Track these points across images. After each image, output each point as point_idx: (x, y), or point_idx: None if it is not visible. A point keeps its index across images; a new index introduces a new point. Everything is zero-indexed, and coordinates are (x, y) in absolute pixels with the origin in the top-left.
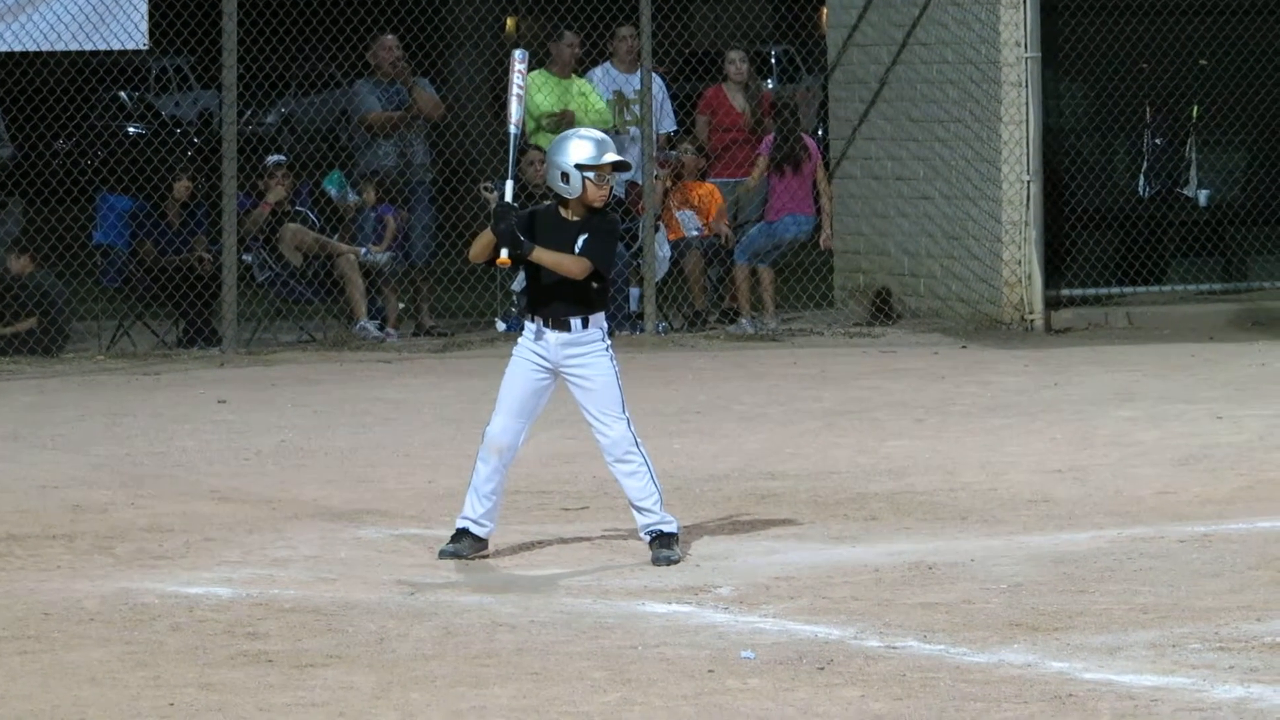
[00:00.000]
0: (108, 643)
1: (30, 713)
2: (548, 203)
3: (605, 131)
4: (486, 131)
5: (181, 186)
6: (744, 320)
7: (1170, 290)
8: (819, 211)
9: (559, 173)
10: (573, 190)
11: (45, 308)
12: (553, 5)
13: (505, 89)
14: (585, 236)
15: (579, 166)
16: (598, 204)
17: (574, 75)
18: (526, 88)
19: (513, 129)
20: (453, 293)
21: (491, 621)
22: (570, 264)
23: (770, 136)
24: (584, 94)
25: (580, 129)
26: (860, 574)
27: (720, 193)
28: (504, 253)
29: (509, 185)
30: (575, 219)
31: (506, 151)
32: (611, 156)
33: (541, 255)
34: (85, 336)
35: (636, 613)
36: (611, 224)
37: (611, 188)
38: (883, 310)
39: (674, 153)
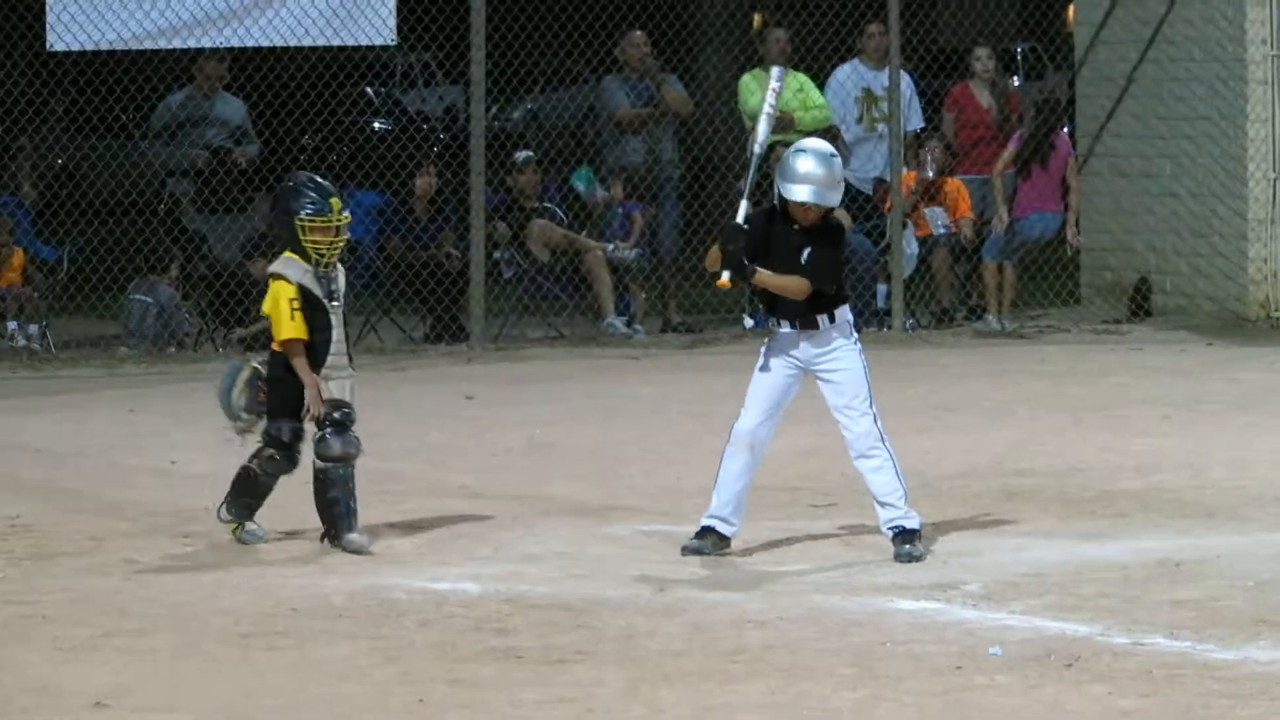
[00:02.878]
0: (356, 638)
1: (279, 708)
2: (777, 202)
3: (828, 133)
4: (736, 128)
5: (423, 182)
6: (990, 317)
7: None
8: (1066, 209)
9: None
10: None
11: None
12: (799, 1)
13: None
14: (809, 250)
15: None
16: (803, 222)
17: (790, 70)
18: (775, 109)
19: (757, 149)
20: (700, 289)
21: (740, 618)
22: (794, 287)
23: (1020, 132)
24: (800, 90)
25: (805, 145)
26: (1107, 571)
27: (967, 189)
28: (725, 275)
29: (744, 205)
30: (800, 226)
31: (746, 168)
32: (799, 191)
33: (764, 279)
34: None
35: (884, 609)
36: (836, 233)
37: (823, 207)
38: (1143, 304)
39: (931, 174)
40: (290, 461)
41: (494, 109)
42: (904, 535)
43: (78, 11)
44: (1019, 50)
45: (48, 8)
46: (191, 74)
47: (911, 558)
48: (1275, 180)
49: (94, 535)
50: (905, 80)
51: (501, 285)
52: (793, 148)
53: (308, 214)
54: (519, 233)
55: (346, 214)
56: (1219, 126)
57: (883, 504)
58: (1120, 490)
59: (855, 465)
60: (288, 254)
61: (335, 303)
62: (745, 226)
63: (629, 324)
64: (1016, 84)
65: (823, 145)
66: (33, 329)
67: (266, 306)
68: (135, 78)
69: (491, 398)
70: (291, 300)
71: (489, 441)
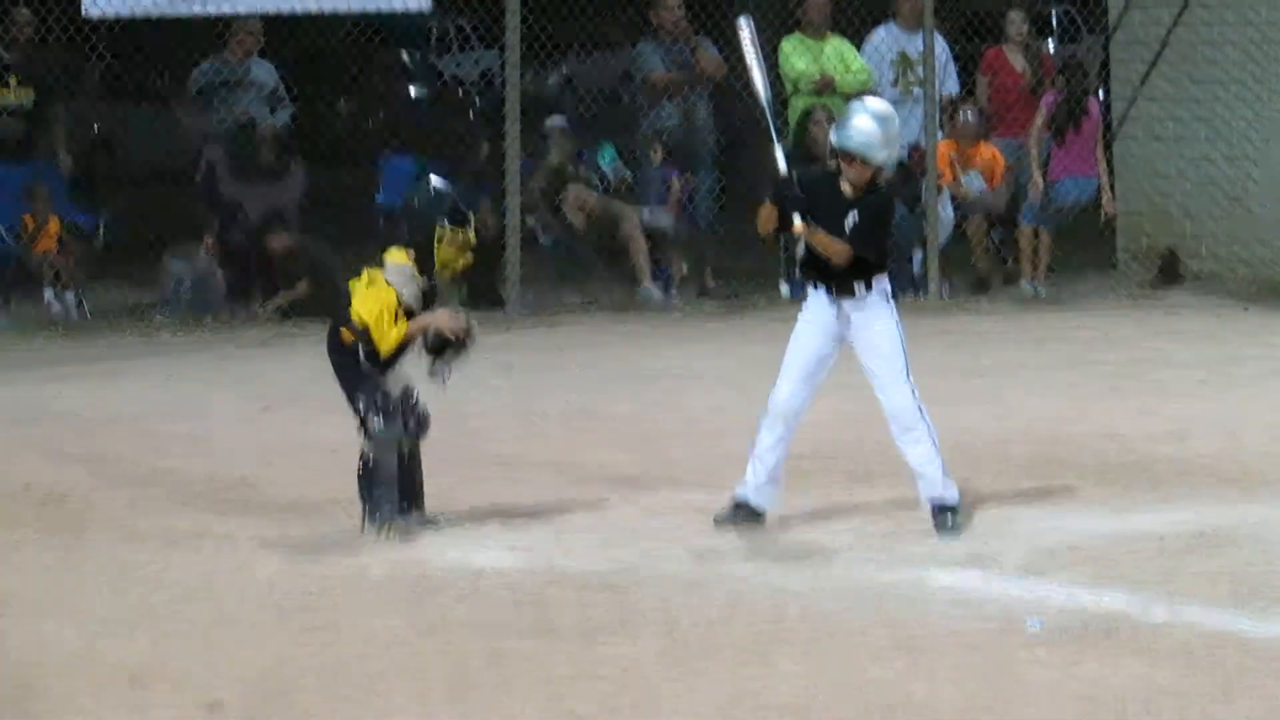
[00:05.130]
0: (393, 611)
1: (315, 680)
2: (830, 166)
3: (876, 93)
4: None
5: (483, 149)
6: (1025, 283)
7: None
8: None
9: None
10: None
11: (319, 271)
12: None
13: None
14: (854, 215)
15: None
16: (853, 180)
17: (828, 35)
18: (758, 54)
19: (762, 99)
20: (736, 256)
21: (777, 591)
22: (837, 250)
23: (1051, 94)
24: (840, 53)
25: (866, 100)
26: (1144, 542)
27: (1001, 154)
28: (797, 220)
29: (778, 150)
30: (849, 192)
31: (768, 122)
32: (839, 137)
33: (813, 235)
34: None
35: (922, 582)
36: (884, 204)
37: (878, 168)
38: (1168, 273)
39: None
40: (399, 427)
41: (529, 74)
42: (943, 508)
43: None
44: (1054, 13)
45: None
46: (225, 39)
47: (951, 531)
48: None
49: (130, 505)
50: (940, 44)
51: (537, 253)
52: (853, 103)
53: (449, 224)
54: (554, 199)
55: (473, 234)
56: (1253, 90)
57: (921, 477)
58: (1157, 457)
59: (893, 437)
60: (399, 256)
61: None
62: (790, 175)
63: (666, 290)
64: (1051, 48)
65: (883, 106)
66: (69, 296)
67: (367, 308)
68: (171, 44)
69: (528, 365)
70: (396, 310)
71: (525, 409)
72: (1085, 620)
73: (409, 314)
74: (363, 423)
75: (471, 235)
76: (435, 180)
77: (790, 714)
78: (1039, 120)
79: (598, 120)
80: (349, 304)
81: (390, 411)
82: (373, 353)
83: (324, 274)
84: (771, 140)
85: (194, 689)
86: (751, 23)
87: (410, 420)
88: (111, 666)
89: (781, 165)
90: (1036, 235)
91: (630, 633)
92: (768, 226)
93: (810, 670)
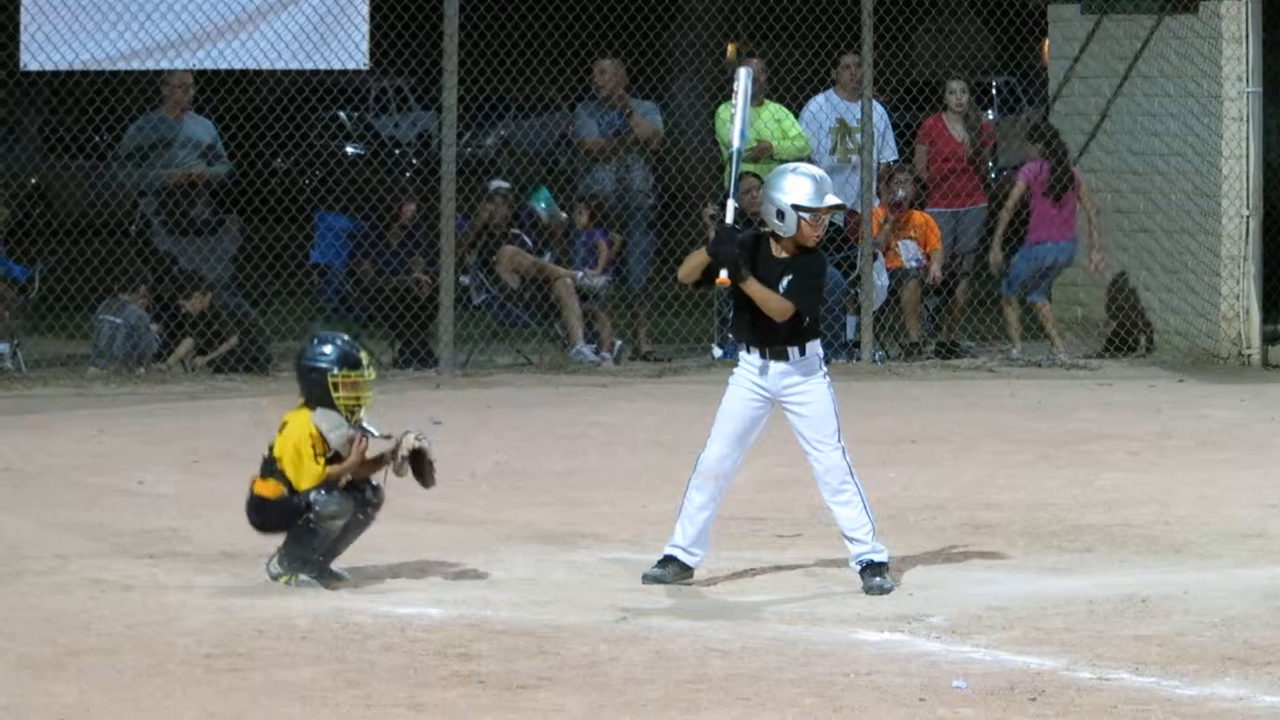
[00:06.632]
0: (319, 661)
1: None
2: (761, 229)
3: (813, 160)
4: (706, 157)
5: (408, 209)
6: (1015, 351)
7: None
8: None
9: (774, 209)
10: (787, 229)
11: (245, 327)
12: (774, 32)
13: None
14: (790, 278)
15: (796, 206)
16: (811, 244)
17: (765, 102)
18: (747, 106)
19: (736, 146)
20: (669, 318)
21: (703, 646)
22: (775, 306)
23: (1036, 164)
24: (778, 120)
25: (801, 165)
26: (1073, 605)
27: (936, 223)
28: (724, 273)
29: (730, 206)
30: (783, 256)
31: (729, 172)
32: (831, 199)
33: (753, 287)
34: None
35: (848, 640)
36: (818, 264)
37: (825, 227)
38: (1103, 343)
39: (901, 194)
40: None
41: (466, 135)
42: (872, 568)
43: (52, 31)
44: (994, 83)
45: (22, 27)
46: (161, 95)
47: (881, 590)
48: (1248, 218)
49: (60, 554)
50: (879, 112)
51: (470, 311)
52: (781, 168)
53: (340, 370)
54: (488, 259)
55: (373, 371)
56: (1192, 163)
57: (850, 538)
58: (1087, 525)
59: (823, 498)
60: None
61: None
62: (737, 227)
63: (597, 352)
64: (991, 117)
65: (812, 167)
66: (3, 347)
67: (284, 449)
68: (109, 98)
69: (458, 423)
70: (314, 445)
71: (454, 467)
72: (1011, 680)
73: (334, 458)
74: (308, 508)
75: (369, 372)
76: (322, 334)
77: None
78: (1018, 191)
79: (534, 181)
80: (271, 459)
81: (333, 489)
82: (303, 511)
83: (252, 329)
84: (730, 193)
85: None
86: (751, 74)
87: (368, 491)
88: (38, 712)
89: (729, 217)
90: (1019, 305)
91: (556, 685)
92: (692, 276)
93: None
